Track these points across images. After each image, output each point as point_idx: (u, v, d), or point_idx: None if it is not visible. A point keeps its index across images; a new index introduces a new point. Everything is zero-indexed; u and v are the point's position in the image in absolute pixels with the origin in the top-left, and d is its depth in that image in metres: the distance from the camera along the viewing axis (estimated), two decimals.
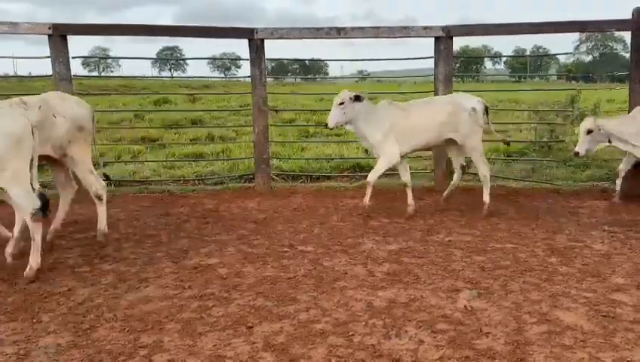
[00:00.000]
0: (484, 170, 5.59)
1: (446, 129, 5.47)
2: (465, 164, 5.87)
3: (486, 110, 5.57)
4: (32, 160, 3.88)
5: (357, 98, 5.34)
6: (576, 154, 5.60)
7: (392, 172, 7.77)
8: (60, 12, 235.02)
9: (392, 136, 5.40)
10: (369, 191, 5.48)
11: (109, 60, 77.85)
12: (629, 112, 6.58)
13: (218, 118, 14.30)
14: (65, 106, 4.47)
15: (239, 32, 6.92)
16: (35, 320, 3.22)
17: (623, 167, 5.90)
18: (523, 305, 3.34)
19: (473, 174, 7.64)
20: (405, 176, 5.65)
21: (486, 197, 5.59)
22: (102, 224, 4.74)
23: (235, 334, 3.03)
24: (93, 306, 3.42)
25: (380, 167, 5.48)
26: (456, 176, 5.88)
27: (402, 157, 5.51)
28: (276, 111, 8.70)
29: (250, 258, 4.30)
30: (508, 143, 6.59)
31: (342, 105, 5.36)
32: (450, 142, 5.59)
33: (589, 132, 5.50)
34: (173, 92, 22.65)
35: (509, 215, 5.52)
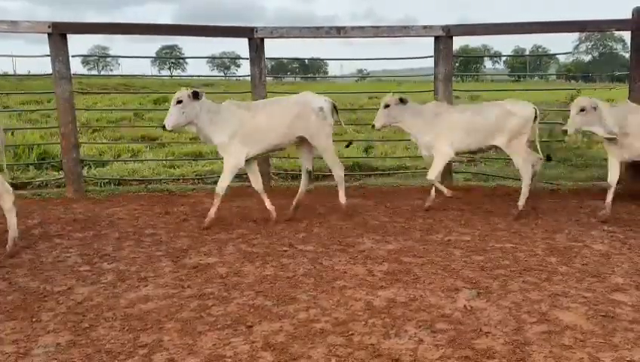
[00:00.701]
0: (337, 170, 5.44)
1: (294, 130, 5.24)
2: (311, 169, 5.62)
3: (335, 109, 5.41)
4: None
5: (195, 95, 4.92)
6: (373, 126, 5.59)
7: (392, 171, 7.78)
8: (58, 10, 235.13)
9: (237, 138, 5.07)
10: (217, 202, 5.13)
11: (109, 59, 77.98)
12: None
13: None
14: None
15: (239, 31, 6.92)
16: (34, 319, 3.22)
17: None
18: (522, 305, 3.34)
19: (473, 173, 7.66)
20: (257, 184, 5.38)
21: (342, 199, 5.48)
22: None
23: (234, 333, 3.03)
24: (92, 305, 3.41)
25: (226, 174, 5.13)
26: (302, 182, 5.57)
27: (248, 160, 5.23)
28: None
29: (250, 257, 4.30)
30: (349, 145, 6.29)
31: (180, 105, 4.91)
32: (301, 143, 5.42)
33: (387, 106, 5.48)
34: (172, 91, 22.61)
35: (508, 214, 5.51)
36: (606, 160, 7.83)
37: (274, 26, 7.07)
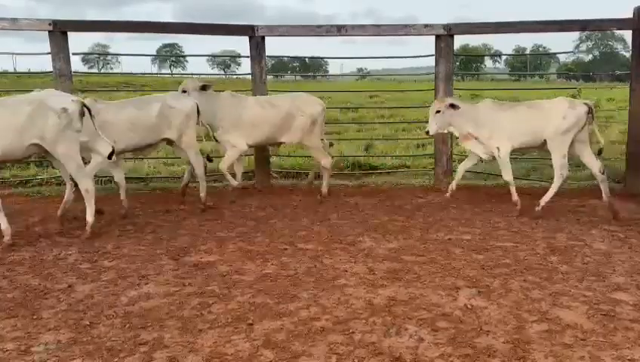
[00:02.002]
0: (85, 183, 4.72)
1: (28, 133, 4.40)
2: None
3: (88, 111, 4.70)
4: None
5: None
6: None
7: (392, 170, 7.78)
8: (59, 8, 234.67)
9: None
10: (1, 217, 4.50)
11: (109, 57, 78.06)
12: (629, 113, 6.59)
13: None
14: None
15: (240, 30, 6.92)
16: (35, 317, 3.22)
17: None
18: (523, 304, 3.35)
19: (474, 173, 7.66)
20: None
21: (89, 218, 4.78)
22: None
23: (235, 331, 3.03)
24: (93, 303, 3.41)
25: None
26: (67, 190, 5.02)
27: None
28: None
29: (251, 255, 4.30)
30: (110, 156, 5.62)
31: None
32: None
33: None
34: (173, 89, 22.58)
35: (508, 213, 5.52)
36: (606, 160, 7.85)
37: (275, 24, 7.05)
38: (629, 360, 2.70)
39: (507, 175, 5.59)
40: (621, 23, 6.74)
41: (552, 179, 5.52)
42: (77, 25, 6.69)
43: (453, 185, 5.89)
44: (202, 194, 5.82)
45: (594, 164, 5.43)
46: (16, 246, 4.54)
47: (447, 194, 5.88)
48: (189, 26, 7.15)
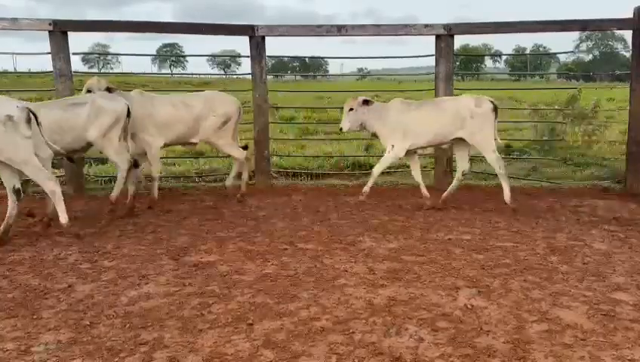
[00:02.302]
0: (48, 186, 4.58)
1: None
2: (19, 187, 4.72)
3: (34, 116, 4.53)
4: None
5: None
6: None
7: (392, 170, 7.78)
8: (59, 8, 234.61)
9: None
10: None
11: (109, 57, 78.12)
12: (629, 113, 6.59)
13: None
14: None
15: (240, 30, 6.92)
16: (35, 317, 3.22)
17: None
18: (523, 304, 3.35)
19: (474, 173, 7.66)
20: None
21: (62, 219, 4.67)
22: None
23: (235, 331, 3.03)
24: (93, 303, 3.41)
25: None
26: (10, 205, 4.70)
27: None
28: (277, 108, 8.73)
29: (251, 255, 4.30)
30: (72, 160, 5.67)
31: None
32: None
33: None
34: (173, 89, 22.57)
35: (508, 213, 5.52)
36: (606, 159, 7.88)
37: (275, 24, 7.06)
38: (629, 360, 2.70)
39: (377, 170, 5.76)
40: (621, 23, 6.74)
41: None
42: (77, 25, 6.70)
43: (426, 194, 5.80)
44: (113, 194, 5.48)
45: (464, 165, 5.73)
46: (16, 246, 4.54)
47: (428, 202, 5.76)
48: (189, 26, 7.15)
